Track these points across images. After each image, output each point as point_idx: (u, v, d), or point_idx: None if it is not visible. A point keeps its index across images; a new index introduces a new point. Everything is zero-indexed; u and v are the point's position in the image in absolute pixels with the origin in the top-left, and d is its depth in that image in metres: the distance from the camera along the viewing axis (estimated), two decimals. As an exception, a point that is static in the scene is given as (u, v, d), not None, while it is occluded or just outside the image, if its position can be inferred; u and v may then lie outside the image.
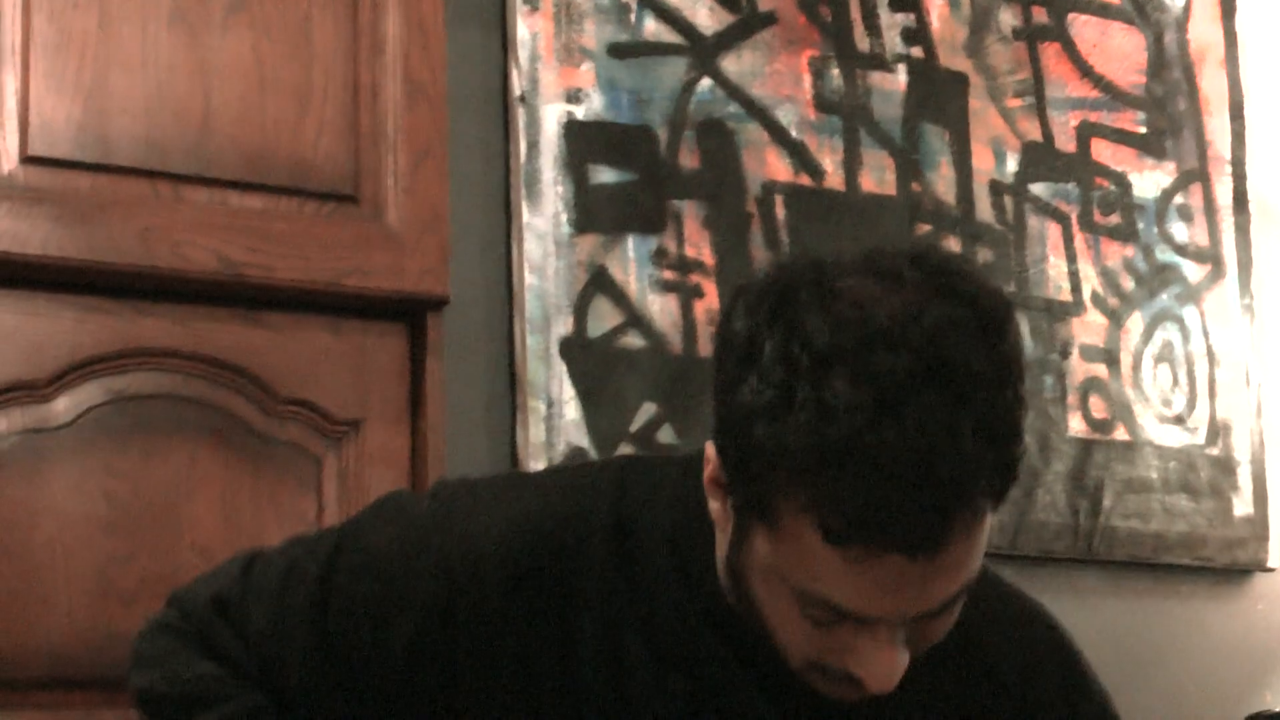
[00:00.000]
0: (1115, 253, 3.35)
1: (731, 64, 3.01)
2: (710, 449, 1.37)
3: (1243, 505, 3.38)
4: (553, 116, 2.83)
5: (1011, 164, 3.26)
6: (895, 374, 1.24)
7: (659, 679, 1.45)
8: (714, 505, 1.39)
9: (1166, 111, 3.46)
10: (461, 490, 1.55)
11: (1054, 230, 3.28)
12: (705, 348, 2.88)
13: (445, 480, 1.61)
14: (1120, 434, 3.28)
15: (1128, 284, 3.35)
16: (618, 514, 1.48)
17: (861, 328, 1.26)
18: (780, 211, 3.00)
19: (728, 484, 1.35)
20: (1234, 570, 3.38)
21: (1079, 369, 3.26)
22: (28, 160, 2.16)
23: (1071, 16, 3.39)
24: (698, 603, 1.46)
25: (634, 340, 2.84)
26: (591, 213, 2.83)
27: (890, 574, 1.27)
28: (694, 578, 1.46)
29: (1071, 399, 3.24)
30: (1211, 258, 3.45)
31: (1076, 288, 3.29)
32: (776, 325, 1.29)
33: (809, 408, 1.25)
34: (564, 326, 2.78)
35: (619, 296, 2.84)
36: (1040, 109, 3.32)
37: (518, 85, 2.81)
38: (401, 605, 1.47)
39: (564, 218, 2.81)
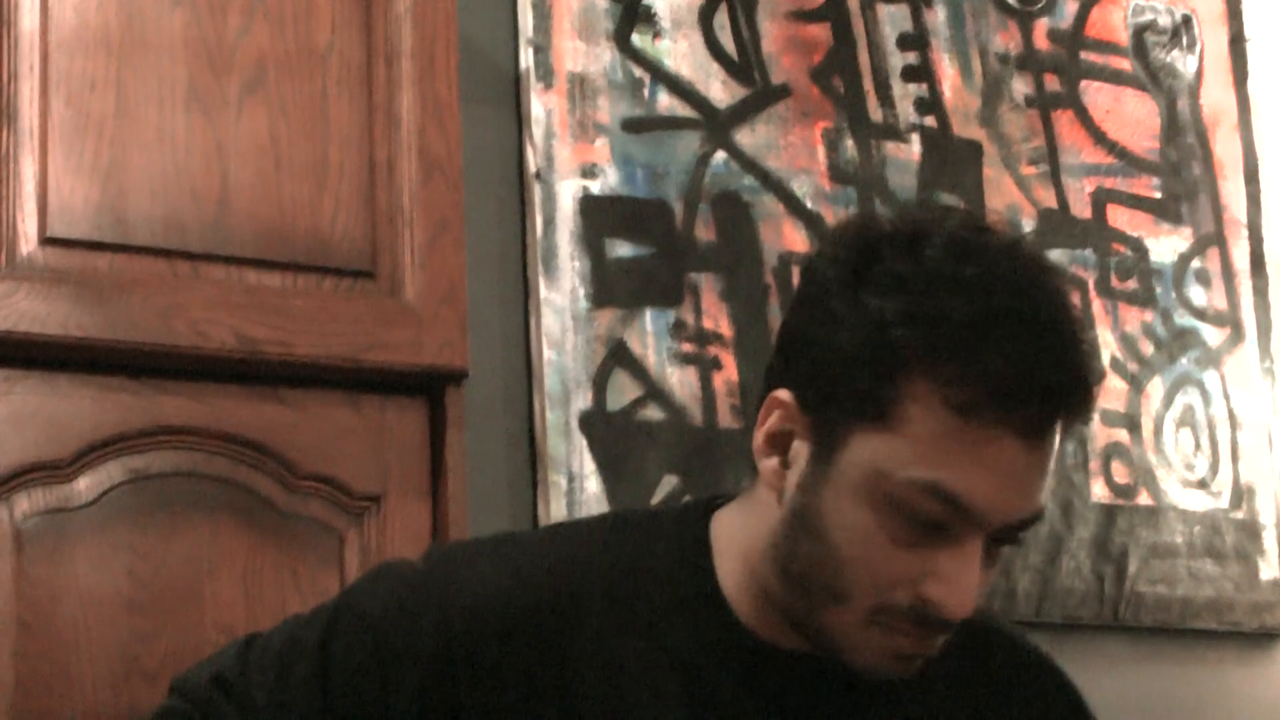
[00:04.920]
0: (1134, 318, 3.35)
1: (745, 137, 3.03)
2: (781, 395, 1.42)
3: (1269, 569, 3.37)
4: (568, 192, 2.84)
5: (1028, 231, 3.27)
6: (1020, 275, 1.37)
7: (661, 717, 1.45)
8: (769, 464, 1.44)
9: (1181, 176, 3.46)
10: (455, 549, 1.57)
11: (1072, 296, 3.28)
12: (725, 419, 2.88)
13: (438, 544, 1.63)
14: (1144, 499, 3.27)
15: (1147, 349, 3.35)
16: (614, 560, 1.50)
17: (971, 250, 1.38)
18: (797, 282, 3.00)
19: (817, 404, 1.40)
20: (1262, 634, 3.36)
21: (1100, 434, 3.25)
22: (47, 241, 2.17)
23: (1084, 84, 3.40)
24: (701, 635, 1.47)
25: (654, 413, 2.84)
26: (609, 287, 2.84)
27: (1003, 458, 1.34)
28: (696, 612, 1.47)
29: (1094, 465, 3.23)
30: (1230, 321, 3.45)
31: (1095, 353, 3.28)
32: (880, 260, 1.39)
33: (944, 290, 1.35)
34: (584, 400, 2.78)
35: (638, 370, 2.84)
36: (1055, 176, 3.33)
37: (533, 161, 2.82)
38: (402, 662, 1.47)
39: (581, 292, 2.82)
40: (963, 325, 1.34)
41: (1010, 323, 1.34)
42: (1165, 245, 3.42)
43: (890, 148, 3.16)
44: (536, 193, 2.81)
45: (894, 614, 1.38)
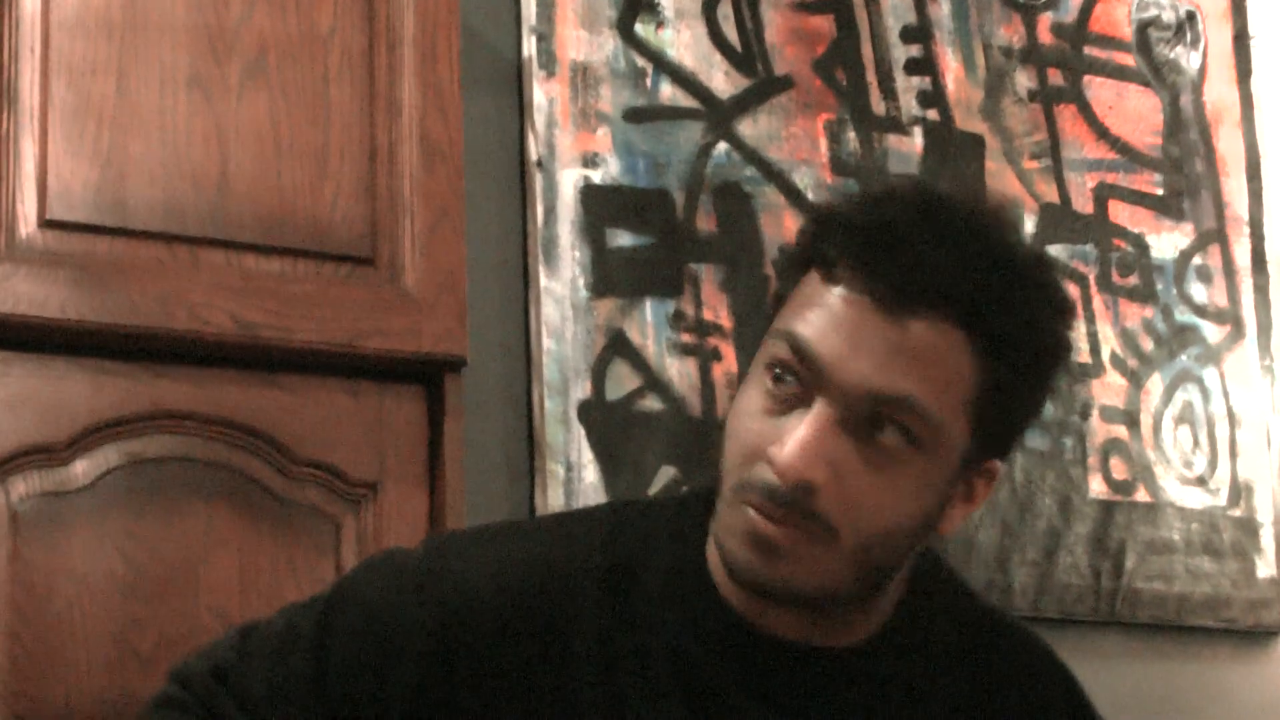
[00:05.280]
0: (1134, 314, 3.34)
1: (748, 128, 3.02)
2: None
3: (1266, 567, 3.36)
4: (569, 181, 2.84)
5: (1029, 226, 3.26)
6: (960, 200, 1.43)
7: (656, 710, 1.45)
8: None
9: (1184, 173, 3.46)
10: (453, 539, 1.56)
11: (1072, 291, 3.28)
12: (724, 410, 2.87)
13: (436, 533, 1.62)
14: (1142, 495, 3.27)
15: (1147, 345, 3.34)
16: (613, 552, 1.50)
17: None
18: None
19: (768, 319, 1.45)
20: (1258, 632, 3.36)
21: (1099, 430, 3.25)
22: (46, 224, 2.16)
23: (1087, 79, 3.40)
24: (697, 630, 1.46)
25: (653, 403, 2.84)
26: (609, 276, 2.84)
27: (857, 322, 1.37)
28: (691, 603, 1.47)
29: (1092, 460, 3.23)
30: (1231, 318, 3.45)
31: (1095, 349, 3.28)
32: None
33: (869, 203, 1.42)
34: (582, 390, 2.78)
35: (637, 360, 2.84)
36: (1057, 171, 3.32)
37: (534, 150, 2.82)
38: (399, 653, 1.47)
39: (581, 281, 2.81)
40: (865, 220, 1.39)
41: (911, 217, 1.38)
42: (1166, 241, 3.41)
43: (892, 140, 3.16)
44: (537, 181, 2.81)
45: (752, 488, 1.38)
